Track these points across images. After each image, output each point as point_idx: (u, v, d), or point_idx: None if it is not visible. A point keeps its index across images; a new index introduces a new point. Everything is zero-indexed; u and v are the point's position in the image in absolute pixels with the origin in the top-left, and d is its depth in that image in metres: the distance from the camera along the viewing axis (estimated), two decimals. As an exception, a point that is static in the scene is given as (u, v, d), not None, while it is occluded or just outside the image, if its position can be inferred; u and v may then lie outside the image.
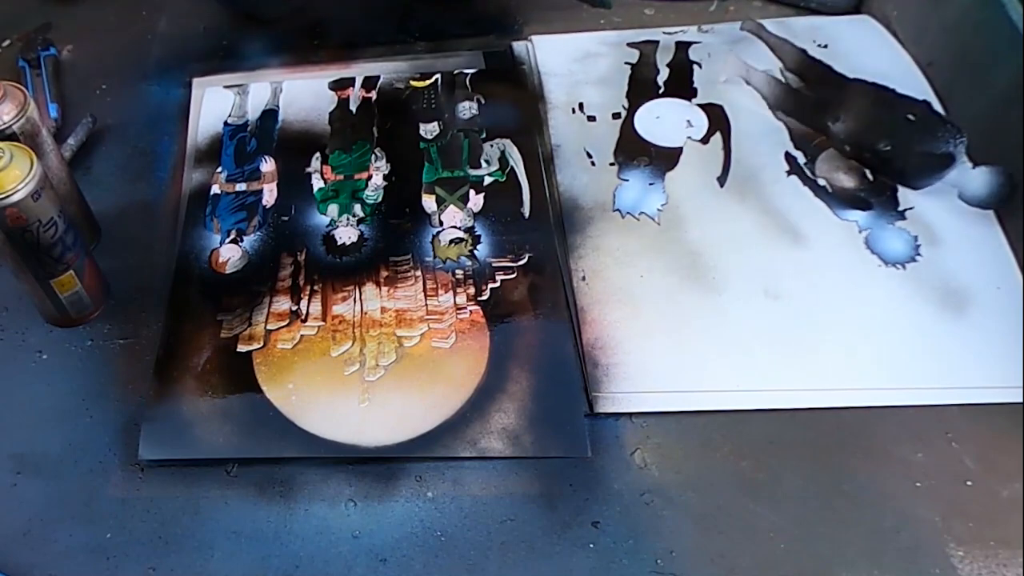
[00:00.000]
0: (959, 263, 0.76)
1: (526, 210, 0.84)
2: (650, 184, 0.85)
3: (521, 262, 0.79)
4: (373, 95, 0.97)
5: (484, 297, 0.77)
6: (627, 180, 0.86)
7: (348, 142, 0.92)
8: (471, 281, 0.78)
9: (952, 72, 0.89)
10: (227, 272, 0.81)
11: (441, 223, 0.83)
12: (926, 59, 0.92)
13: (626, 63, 0.98)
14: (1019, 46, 0.79)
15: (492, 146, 0.90)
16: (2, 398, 0.74)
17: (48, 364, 0.76)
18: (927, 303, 0.74)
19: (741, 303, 0.75)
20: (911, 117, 0.83)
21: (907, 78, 0.92)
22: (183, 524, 0.65)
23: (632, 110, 0.92)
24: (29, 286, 0.73)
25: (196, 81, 0.99)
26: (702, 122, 0.90)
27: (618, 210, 0.83)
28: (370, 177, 0.88)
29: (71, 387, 0.74)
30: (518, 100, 0.94)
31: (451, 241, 0.82)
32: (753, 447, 0.67)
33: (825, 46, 0.97)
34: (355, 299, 0.78)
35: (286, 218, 0.85)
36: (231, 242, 0.83)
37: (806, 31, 0.99)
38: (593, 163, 0.88)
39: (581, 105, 0.93)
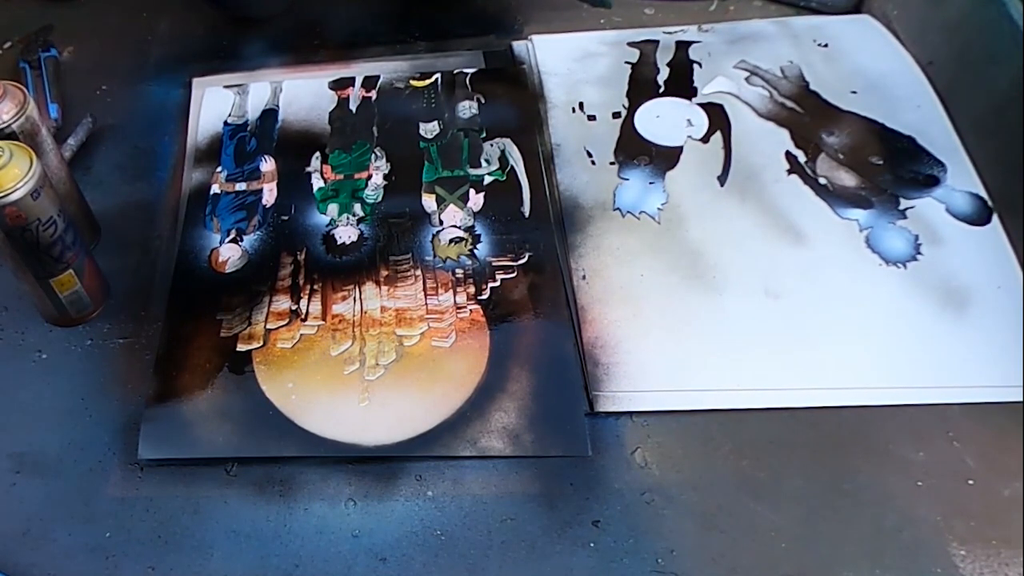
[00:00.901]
0: (960, 262, 0.76)
1: (526, 209, 0.84)
2: (650, 183, 0.85)
3: (521, 261, 0.79)
4: (373, 95, 0.97)
5: (484, 296, 0.77)
6: (627, 179, 0.86)
7: (348, 142, 0.92)
8: (471, 280, 0.78)
9: (952, 72, 0.89)
10: (227, 272, 0.81)
11: (441, 222, 0.83)
12: (926, 59, 0.92)
13: (626, 62, 0.98)
14: (1019, 46, 0.79)
15: (492, 145, 0.90)
16: (2, 398, 0.74)
17: (48, 364, 0.76)
18: (928, 302, 0.74)
19: (741, 302, 0.75)
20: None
21: (907, 78, 0.92)
22: (182, 523, 0.65)
23: (632, 109, 0.92)
24: (29, 285, 0.73)
25: (196, 81, 0.99)
26: (702, 121, 0.90)
27: (618, 209, 0.83)
28: (370, 177, 0.88)
29: (71, 387, 0.74)
30: (518, 100, 0.94)
31: (451, 240, 0.82)
32: (754, 446, 0.67)
33: (825, 46, 0.97)
34: (355, 298, 0.78)
35: (286, 218, 0.85)
36: (231, 242, 0.83)
37: (806, 31, 0.99)
38: (593, 162, 0.88)
39: (581, 104, 0.93)
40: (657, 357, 0.72)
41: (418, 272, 0.79)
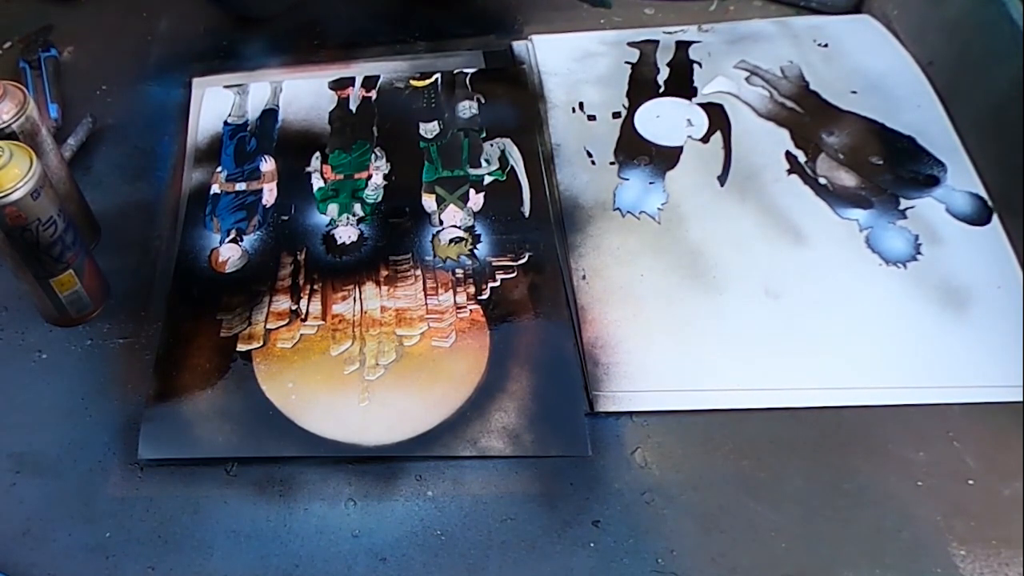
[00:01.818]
0: (960, 262, 0.76)
1: (526, 209, 0.84)
2: (650, 183, 0.85)
3: (521, 261, 0.79)
4: (373, 95, 0.97)
5: (484, 296, 0.77)
6: (627, 179, 0.86)
7: (348, 142, 0.92)
8: (471, 280, 0.78)
9: (952, 72, 0.89)
10: (227, 272, 0.81)
11: (441, 222, 0.83)
12: (926, 59, 0.92)
13: (626, 62, 0.98)
14: (1019, 46, 0.79)
15: (492, 145, 0.90)
16: (2, 398, 0.74)
17: (48, 364, 0.76)
18: (928, 302, 0.74)
19: (742, 302, 0.75)
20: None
21: (907, 78, 0.92)
22: (182, 523, 0.65)
23: (632, 109, 0.92)
24: (29, 285, 0.73)
25: (196, 81, 1.00)
26: (702, 121, 0.90)
27: (618, 209, 0.83)
28: (370, 176, 0.88)
29: (71, 387, 0.74)
30: (518, 100, 0.94)
31: (451, 240, 0.82)
32: (754, 446, 0.67)
33: (825, 46, 0.97)
34: (355, 298, 0.78)
35: (286, 218, 0.85)
36: (231, 242, 0.83)
37: (806, 31, 0.99)
38: (593, 162, 0.88)
39: (581, 104, 0.93)
40: (657, 357, 0.72)
41: (418, 272, 0.79)
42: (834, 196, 0.82)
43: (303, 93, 0.97)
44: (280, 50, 1.03)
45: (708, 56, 0.97)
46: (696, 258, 0.78)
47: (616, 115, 0.92)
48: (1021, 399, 0.67)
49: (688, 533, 0.63)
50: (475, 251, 0.80)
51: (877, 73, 0.93)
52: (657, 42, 1.00)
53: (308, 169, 0.89)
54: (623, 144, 0.89)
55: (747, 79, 0.94)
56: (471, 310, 0.76)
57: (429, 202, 0.85)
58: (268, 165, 0.90)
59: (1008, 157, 0.79)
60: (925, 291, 0.74)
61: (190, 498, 0.67)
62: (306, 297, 0.78)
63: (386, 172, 0.89)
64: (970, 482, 0.64)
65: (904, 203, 0.81)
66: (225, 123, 0.95)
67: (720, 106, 0.91)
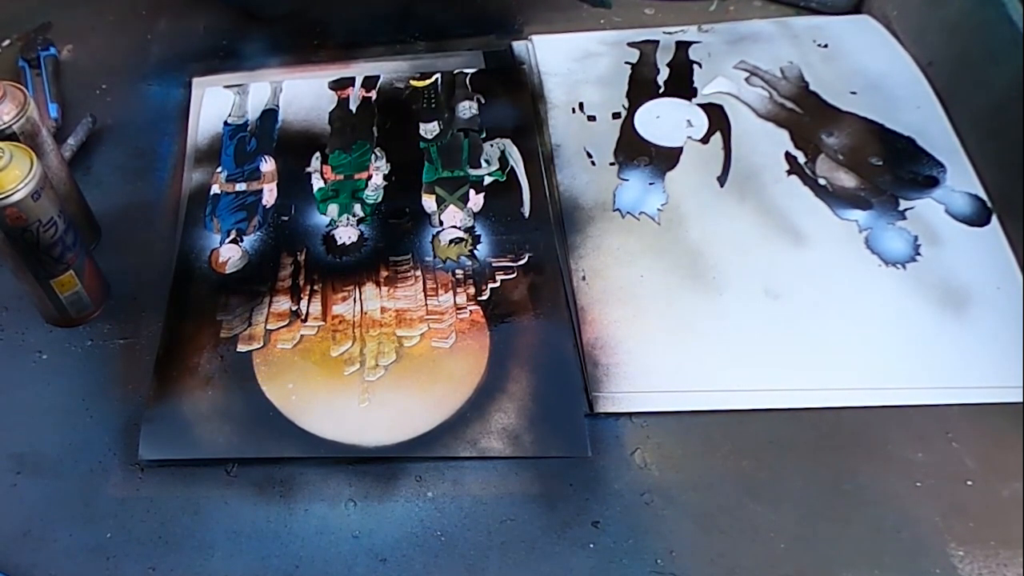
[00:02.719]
0: (959, 263, 0.76)
1: (526, 210, 0.84)
2: (650, 184, 0.85)
3: (521, 262, 0.79)
4: (373, 95, 0.97)
5: (484, 297, 0.77)
6: (627, 180, 0.86)
7: (348, 142, 0.92)
8: (471, 281, 0.78)
9: (952, 72, 0.89)
10: (227, 272, 0.81)
11: (441, 223, 0.83)
12: (926, 59, 0.92)
13: (626, 63, 0.98)
14: (1019, 46, 0.79)
15: (492, 146, 0.90)
16: (2, 398, 0.74)
17: (48, 364, 0.76)
18: (927, 303, 0.74)
19: (741, 303, 0.75)
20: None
21: (907, 78, 0.92)
22: (183, 524, 0.65)
23: (632, 110, 0.92)
24: (29, 286, 0.73)
25: (196, 81, 1.00)
26: (702, 122, 0.90)
27: (618, 210, 0.83)
28: (370, 177, 0.88)
29: (71, 387, 0.74)
30: (518, 100, 0.94)
31: (451, 241, 0.82)
32: (753, 447, 0.67)
33: (825, 46, 0.97)
34: (355, 299, 0.78)
35: (286, 218, 0.85)
36: (231, 242, 0.83)
37: (806, 31, 0.99)
38: (593, 163, 0.88)
39: (581, 105, 0.93)
40: (657, 358, 0.72)
41: (418, 273, 0.79)
42: (834, 197, 0.82)
43: (303, 93, 0.97)
44: (280, 50, 1.03)
45: (708, 56, 0.97)
46: (696, 259, 0.78)
47: (616, 115, 0.92)
48: (1020, 400, 0.67)
49: (688, 533, 0.63)
50: (475, 252, 0.80)
51: (877, 73, 0.93)
52: (657, 42, 1.00)
53: (308, 169, 0.89)
54: (623, 145, 0.89)
55: (747, 79, 0.94)
56: (471, 311, 0.76)
57: (429, 203, 0.85)
58: (268, 165, 0.90)
59: (1007, 158, 0.79)
60: (924, 292, 0.74)
61: (190, 499, 0.67)
62: (306, 298, 0.78)
63: (386, 172, 0.89)
64: (969, 483, 0.64)
65: (903, 204, 0.81)
66: (225, 123, 0.95)
67: (720, 107, 0.91)
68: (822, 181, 0.83)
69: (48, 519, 0.66)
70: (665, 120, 0.91)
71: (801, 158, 0.86)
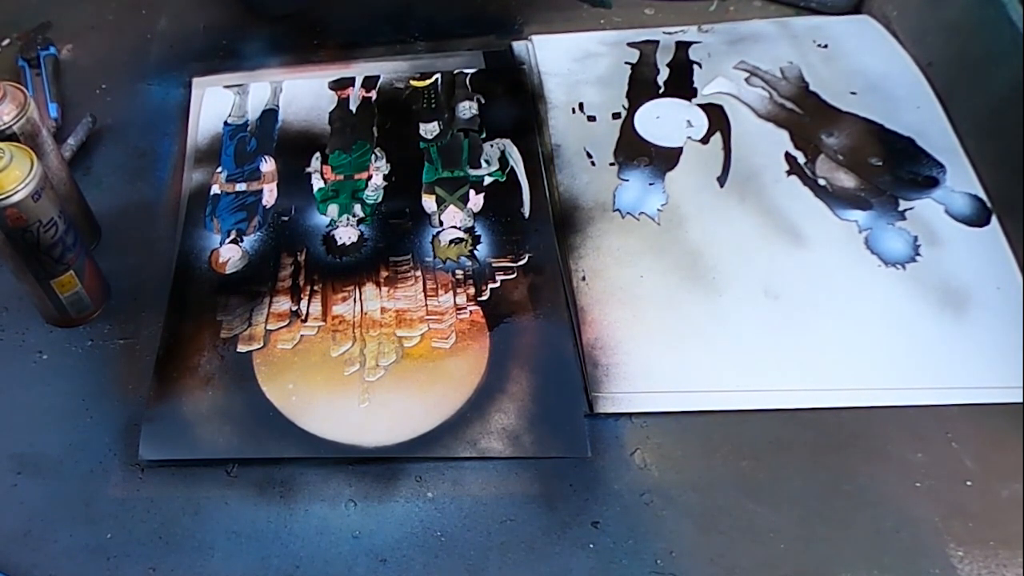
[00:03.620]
0: (959, 263, 0.76)
1: (526, 210, 0.84)
2: (650, 184, 0.85)
3: (521, 262, 0.79)
4: (373, 95, 0.97)
5: (484, 297, 0.77)
6: (627, 180, 0.86)
7: (348, 142, 0.92)
8: (471, 281, 0.78)
9: (952, 72, 0.89)
10: (227, 272, 0.81)
11: (441, 223, 0.83)
12: (926, 59, 0.92)
13: (626, 63, 0.98)
14: (1019, 46, 0.79)
15: (492, 146, 0.90)
16: (2, 398, 0.74)
17: (48, 364, 0.76)
18: (927, 303, 0.74)
19: (741, 303, 0.75)
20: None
21: (907, 78, 0.92)
22: (183, 524, 0.66)
23: (632, 110, 0.92)
24: (29, 286, 0.73)
25: (196, 81, 0.99)
26: (702, 122, 0.90)
27: (618, 210, 0.83)
28: (370, 177, 0.88)
29: (71, 387, 0.74)
30: (518, 100, 0.94)
31: (451, 241, 0.82)
32: (753, 447, 0.67)
33: (825, 46, 0.97)
34: (355, 299, 0.78)
35: (286, 218, 0.85)
36: (231, 242, 0.83)
37: (806, 31, 0.99)
38: (593, 163, 0.88)
39: (581, 105, 0.93)
40: (657, 358, 0.72)
41: (418, 273, 0.79)
42: (833, 197, 0.82)
43: (303, 93, 0.97)
44: (280, 50, 1.03)
45: (708, 57, 0.97)
46: (696, 259, 0.78)
47: (616, 116, 0.92)
48: (1020, 400, 0.67)
49: (687, 534, 0.63)
50: (475, 252, 0.80)
51: (877, 74, 0.93)
52: (657, 42, 1.00)
53: (308, 169, 0.89)
54: (623, 145, 0.89)
55: (747, 80, 0.94)
56: (471, 311, 0.76)
57: (429, 203, 0.85)
58: (268, 165, 0.90)
59: (1007, 158, 0.79)
60: (924, 292, 0.75)
61: (191, 499, 0.67)
62: (306, 298, 0.78)
63: (386, 173, 0.89)
64: (968, 483, 0.64)
65: (903, 204, 0.81)
66: (225, 123, 0.95)
67: (720, 107, 0.91)
68: (822, 181, 0.83)
69: (48, 519, 0.67)
70: (665, 120, 0.91)
71: (801, 158, 0.86)
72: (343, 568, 0.63)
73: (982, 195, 0.81)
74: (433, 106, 0.95)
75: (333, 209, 0.85)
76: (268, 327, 0.76)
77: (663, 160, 0.87)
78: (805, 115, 0.89)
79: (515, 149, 0.89)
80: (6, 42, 1.07)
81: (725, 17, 1.02)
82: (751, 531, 0.63)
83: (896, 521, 0.63)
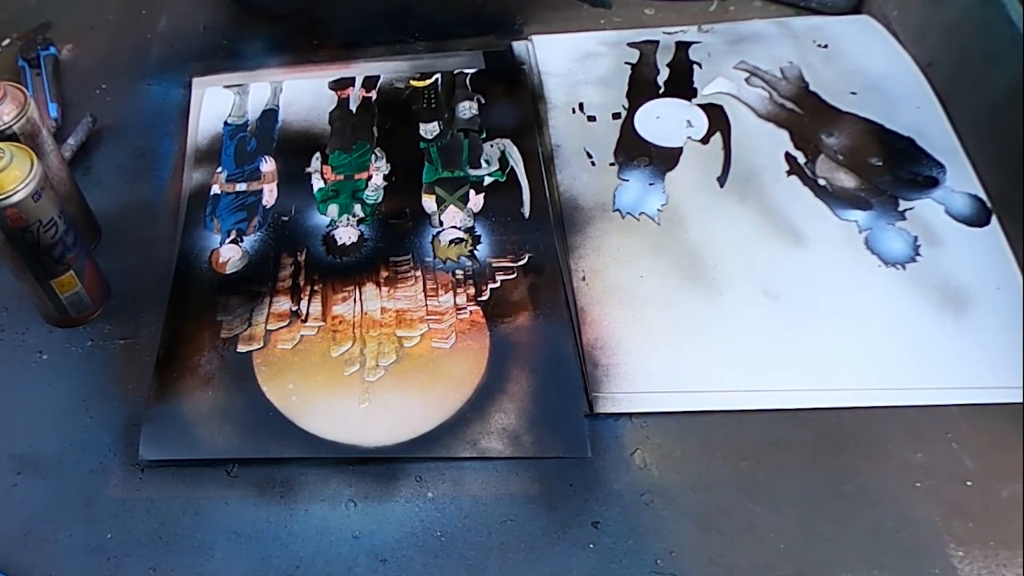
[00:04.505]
0: (959, 263, 0.76)
1: (526, 210, 0.84)
2: (650, 184, 0.85)
3: (521, 262, 0.79)
4: (373, 95, 0.97)
5: (484, 297, 0.77)
6: (627, 180, 0.86)
7: (348, 142, 0.92)
8: (471, 281, 0.78)
9: (952, 72, 0.89)
10: (227, 272, 0.81)
11: (441, 223, 0.83)
12: (926, 59, 0.92)
13: (626, 63, 0.98)
14: (1019, 46, 0.79)
15: (492, 146, 0.90)
16: (2, 398, 0.74)
17: (48, 364, 0.76)
18: (927, 303, 0.74)
19: (741, 303, 0.75)
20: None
21: (907, 79, 0.92)
22: (183, 524, 0.66)
23: (632, 110, 0.92)
24: (29, 286, 0.73)
25: (196, 81, 1.00)
26: (702, 122, 0.90)
27: (618, 210, 0.83)
28: (370, 177, 0.88)
29: (71, 387, 0.74)
30: (518, 100, 0.94)
31: (451, 241, 0.82)
32: (753, 447, 0.67)
33: (825, 46, 0.97)
34: (355, 299, 0.78)
35: (286, 218, 0.85)
36: (231, 242, 0.83)
37: (806, 31, 0.99)
38: (593, 163, 0.88)
39: (581, 105, 0.93)
40: (657, 358, 0.72)
41: (418, 273, 0.79)
42: (833, 197, 0.82)
43: (303, 93, 0.97)
44: (280, 50, 1.03)
45: (708, 57, 0.97)
46: (696, 259, 0.79)
47: (616, 116, 0.92)
48: (1020, 400, 0.67)
49: (687, 534, 0.63)
50: (475, 252, 0.80)
51: (877, 74, 0.93)
52: (657, 42, 1.00)
53: (308, 170, 0.89)
54: (623, 145, 0.89)
55: (747, 80, 0.94)
56: (471, 311, 0.76)
57: (429, 203, 0.85)
58: (268, 165, 0.90)
59: (1007, 158, 0.79)
60: (924, 292, 0.75)
61: (191, 499, 0.67)
62: (306, 298, 0.78)
63: (386, 173, 0.89)
64: (968, 483, 0.64)
65: (903, 204, 0.81)
66: (225, 123, 0.95)
67: (720, 107, 0.91)
68: (822, 181, 0.83)
69: (48, 519, 0.67)
70: (665, 120, 0.91)
71: (801, 158, 0.86)
72: (343, 568, 0.63)
73: (982, 195, 0.81)
74: (433, 106, 0.95)
75: (333, 209, 0.85)
76: (268, 327, 0.76)
77: (663, 160, 0.87)
78: (805, 115, 0.89)
79: (515, 149, 0.89)
80: (6, 42, 1.07)
81: (725, 17, 1.02)
82: (751, 531, 0.63)
83: (896, 521, 0.63)
